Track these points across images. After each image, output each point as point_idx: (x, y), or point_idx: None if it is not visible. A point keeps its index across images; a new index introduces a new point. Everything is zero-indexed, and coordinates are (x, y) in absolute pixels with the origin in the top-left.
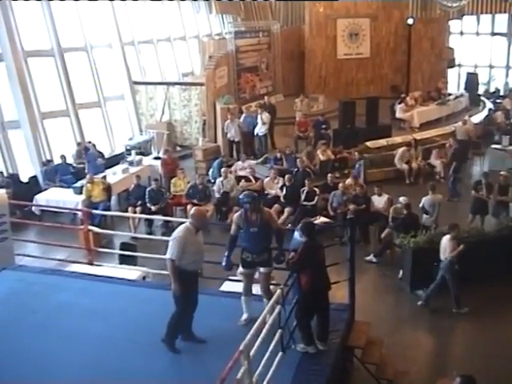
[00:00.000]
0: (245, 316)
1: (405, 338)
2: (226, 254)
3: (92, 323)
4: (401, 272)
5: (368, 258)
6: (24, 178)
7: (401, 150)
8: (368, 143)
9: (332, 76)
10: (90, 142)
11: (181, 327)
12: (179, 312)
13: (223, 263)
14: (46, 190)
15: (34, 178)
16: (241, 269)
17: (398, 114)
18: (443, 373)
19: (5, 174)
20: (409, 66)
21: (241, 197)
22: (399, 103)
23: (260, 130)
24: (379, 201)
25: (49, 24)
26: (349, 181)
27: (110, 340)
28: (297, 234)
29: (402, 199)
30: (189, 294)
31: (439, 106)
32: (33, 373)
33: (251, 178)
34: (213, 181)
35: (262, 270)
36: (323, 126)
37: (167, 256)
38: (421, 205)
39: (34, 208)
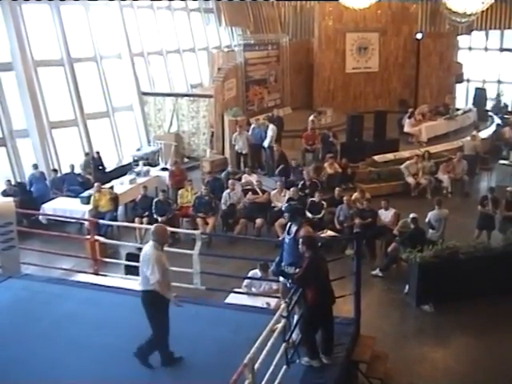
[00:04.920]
0: None
1: (410, 352)
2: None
3: (97, 333)
4: (407, 287)
5: (374, 272)
6: (29, 188)
7: (408, 161)
8: (375, 157)
9: (340, 89)
10: (97, 152)
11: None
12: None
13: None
14: (53, 199)
15: None
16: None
17: (406, 129)
18: None
19: (12, 183)
20: (417, 81)
21: (285, 205)
22: (409, 117)
23: (267, 142)
24: (386, 215)
25: (59, 34)
26: (356, 195)
27: (114, 350)
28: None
29: (411, 216)
30: (163, 315)
31: (447, 120)
32: (36, 382)
33: (258, 190)
34: None
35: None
36: (330, 139)
37: (153, 280)
38: (427, 220)
39: (40, 217)
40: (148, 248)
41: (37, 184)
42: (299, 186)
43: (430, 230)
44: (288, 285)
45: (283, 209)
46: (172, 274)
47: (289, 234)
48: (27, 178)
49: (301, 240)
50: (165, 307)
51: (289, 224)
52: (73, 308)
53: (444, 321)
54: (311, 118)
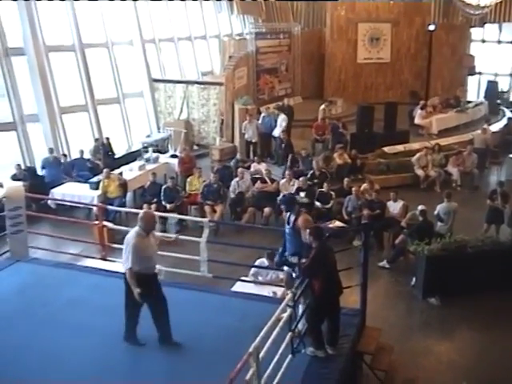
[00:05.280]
0: None
1: (415, 345)
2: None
3: (103, 319)
4: (414, 279)
5: (381, 264)
6: (41, 172)
7: (418, 153)
8: (385, 148)
9: (351, 80)
10: (107, 138)
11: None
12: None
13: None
14: (62, 184)
15: None
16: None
17: (417, 120)
18: (453, 382)
19: (22, 167)
20: (429, 73)
21: (280, 196)
22: (421, 108)
23: (277, 131)
24: (394, 207)
25: (71, 20)
26: (365, 186)
27: (119, 336)
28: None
29: (420, 208)
30: (154, 295)
31: (458, 113)
32: (41, 367)
33: (267, 179)
34: None
35: (286, 269)
36: (340, 130)
37: (125, 265)
38: (436, 212)
39: (49, 202)
40: (131, 233)
41: (50, 169)
42: (308, 176)
43: (439, 223)
44: (293, 274)
45: (278, 201)
46: (178, 261)
47: (288, 223)
48: (40, 162)
49: (308, 231)
50: (147, 290)
51: (287, 214)
52: (80, 293)
53: (450, 314)
54: (322, 107)
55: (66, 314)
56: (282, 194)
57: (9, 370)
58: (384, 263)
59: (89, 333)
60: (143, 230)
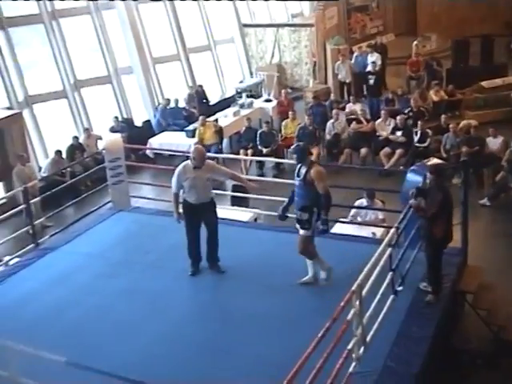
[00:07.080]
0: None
1: None
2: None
3: (204, 263)
4: None
5: (482, 202)
6: (138, 123)
7: None
8: (483, 83)
9: (445, 14)
10: (200, 86)
11: (191, 251)
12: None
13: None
14: (159, 133)
15: (148, 122)
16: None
17: None
18: None
19: (120, 119)
20: None
21: (292, 147)
22: None
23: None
24: (494, 143)
25: None
26: (464, 122)
27: (222, 279)
28: (410, 176)
29: None
30: (192, 223)
31: None
32: (146, 309)
33: (362, 119)
34: None
35: (300, 231)
36: (434, 68)
37: (172, 190)
38: None
39: (147, 151)
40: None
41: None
42: (405, 113)
43: None
44: (302, 231)
45: (290, 150)
46: (276, 204)
47: (298, 176)
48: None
49: (429, 171)
50: (188, 216)
51: (298, 166)
52: (181, 239)
53: None
54: (415, 42)
55: (169, 260)
56: (295, 144)
57: (116, 313)
58: (485, 201)
59: (190, 276)
60: (192, 162)
